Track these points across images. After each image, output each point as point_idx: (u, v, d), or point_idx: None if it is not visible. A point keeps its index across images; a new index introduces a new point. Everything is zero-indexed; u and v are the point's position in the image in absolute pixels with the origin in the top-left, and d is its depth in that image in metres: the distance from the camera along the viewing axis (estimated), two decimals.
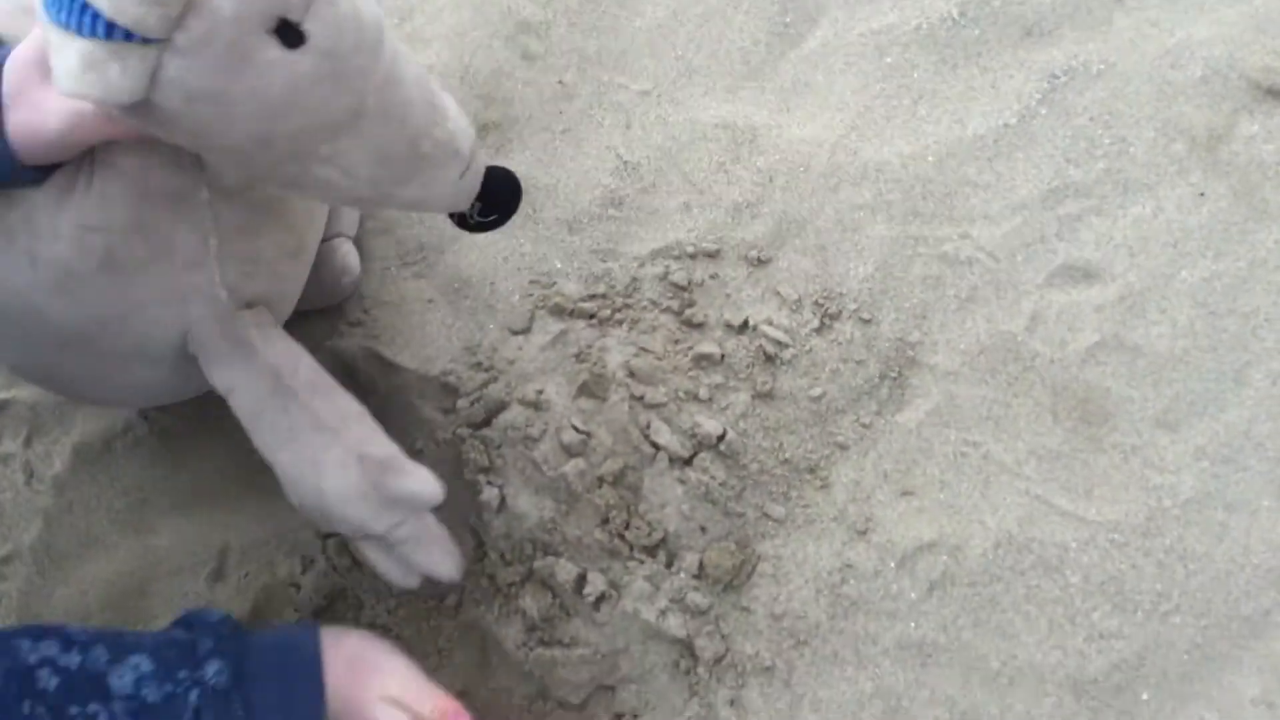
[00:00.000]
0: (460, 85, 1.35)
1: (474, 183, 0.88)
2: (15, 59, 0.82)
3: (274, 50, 0.71)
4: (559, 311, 1.21)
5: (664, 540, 1.07)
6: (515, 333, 1.21)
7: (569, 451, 1.10)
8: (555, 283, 1.24)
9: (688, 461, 1.10)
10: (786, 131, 1.26)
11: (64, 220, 0.85)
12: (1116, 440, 1.07)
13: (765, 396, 1.13)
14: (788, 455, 1.11)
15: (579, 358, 1.16)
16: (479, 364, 1.19)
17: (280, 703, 0.90)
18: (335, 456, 0.88)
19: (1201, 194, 1.14)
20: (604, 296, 1.21)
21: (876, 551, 1.06)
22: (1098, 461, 1.06)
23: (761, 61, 1.31)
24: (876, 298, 1.17)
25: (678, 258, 1.23)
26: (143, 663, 0.87)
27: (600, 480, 1.09)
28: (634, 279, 1.22)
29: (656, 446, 1.10)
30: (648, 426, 1.11)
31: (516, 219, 1.28)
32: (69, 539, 1.26)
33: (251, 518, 1.23)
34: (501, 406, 1.15)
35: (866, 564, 1.06)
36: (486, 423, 1.15)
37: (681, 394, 1.13)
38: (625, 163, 1.29)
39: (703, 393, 1.13)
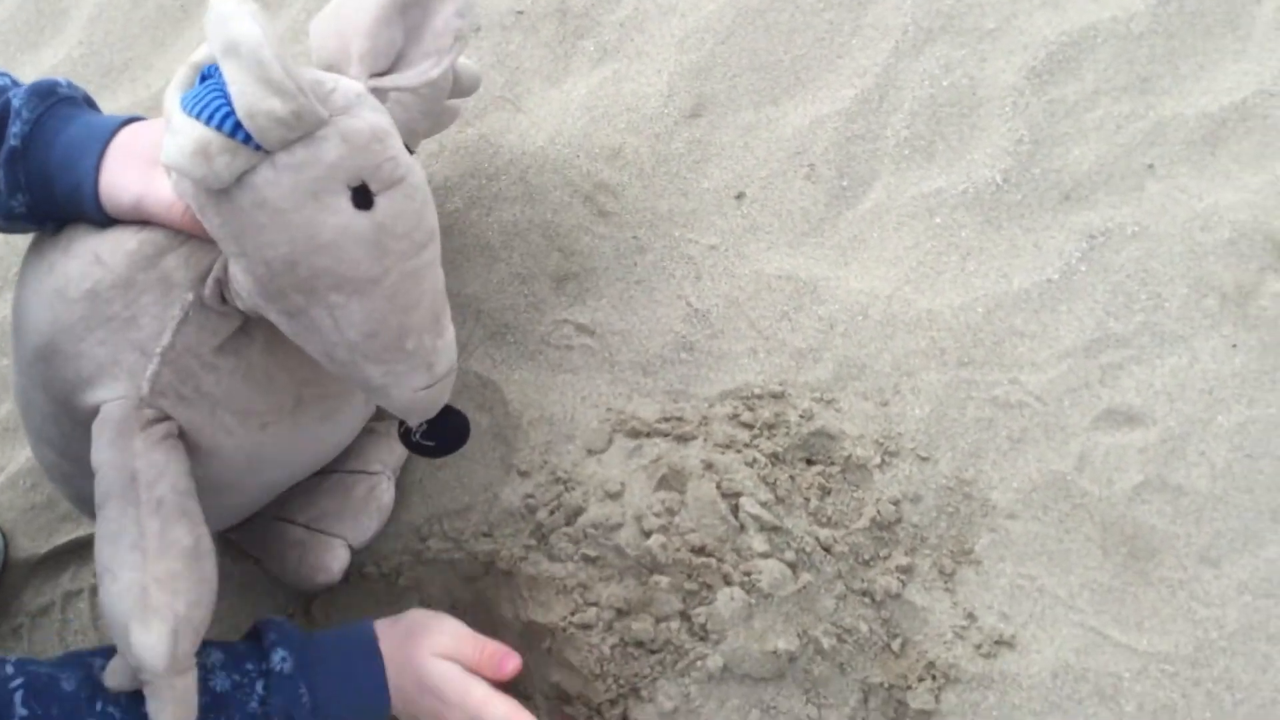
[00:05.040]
0: (542, 239, 1.48)
1: (429, 405, 0.97)
2: (141, 130, 0.96)
3: (344, 203, 0.84)
4: (636, 433, 1.30)
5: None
6: (593, 452, 1.30)
7: (650, 533, 1.18)
8: (632, 410, 1.33)
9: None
10: (845, 283, 1.38)
11: (89, 243, 0.96)
12: (1164, 575, 1.13)
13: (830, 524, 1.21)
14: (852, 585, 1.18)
15: (657, 461, 1.25)
16: (557, 479, 1.28)
17: (341, 678, 0.99)
18: (129, 578, 0.87)
19: (1234, 345, 1.23)
20: (679, 419, 1.31)
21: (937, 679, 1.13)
22: (1146, 595, 1.13)
23: (821, 220, 1.44)
24: (933, 438, 1.26)
25: (745, 399, 1.32)
26: (213, 653, 0.97)
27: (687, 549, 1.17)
28: (704, 417, 1.31)
29: (742, 519, 1.18)
30: (735, 505, 1.19)
31: (593, 361, 1.40)
32: None
33: None
34: (580, 510, 1.23)
35: (927, 691, 1.12)
36: (568, 524, 1.23)
37: (764, 483, 1.21)
38: (695, 310, 1.40)
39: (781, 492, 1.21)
